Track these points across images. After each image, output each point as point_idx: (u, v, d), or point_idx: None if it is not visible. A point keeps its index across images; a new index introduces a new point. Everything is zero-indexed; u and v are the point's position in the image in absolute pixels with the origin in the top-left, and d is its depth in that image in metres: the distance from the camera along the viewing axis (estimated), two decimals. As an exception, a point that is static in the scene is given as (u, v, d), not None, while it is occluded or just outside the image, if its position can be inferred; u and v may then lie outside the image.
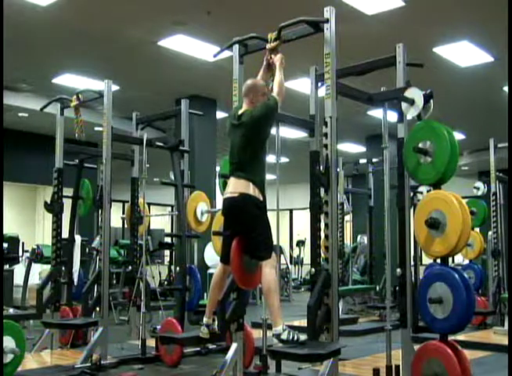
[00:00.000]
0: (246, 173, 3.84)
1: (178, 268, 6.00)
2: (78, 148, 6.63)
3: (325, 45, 3.75)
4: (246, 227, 3.83)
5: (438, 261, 4.30)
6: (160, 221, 15.83)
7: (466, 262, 8.68)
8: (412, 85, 4.19)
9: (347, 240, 10.73)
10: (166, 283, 12.83)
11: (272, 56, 4.04)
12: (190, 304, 5.76)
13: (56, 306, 6.12)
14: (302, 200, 5.40)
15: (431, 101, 4.22)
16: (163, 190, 10.97)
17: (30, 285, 8.23)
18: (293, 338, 3.52)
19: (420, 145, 4.07)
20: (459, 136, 11.21)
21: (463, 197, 4.08)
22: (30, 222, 13.21)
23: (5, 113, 8.54)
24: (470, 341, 6.09)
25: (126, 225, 11.38)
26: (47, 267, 7.18)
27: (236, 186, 3.84)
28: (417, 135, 4.16)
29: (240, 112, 3.99)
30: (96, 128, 8.69)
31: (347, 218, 10.64)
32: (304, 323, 3.72)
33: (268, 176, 4.53)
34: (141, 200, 6.39)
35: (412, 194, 4.94)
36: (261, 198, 3.83)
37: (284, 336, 3.52)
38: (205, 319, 4.00)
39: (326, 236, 3.70)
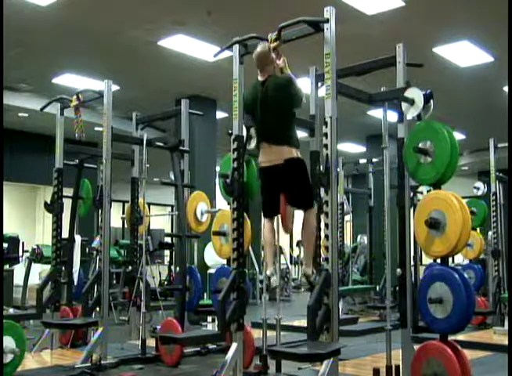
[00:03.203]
0: (283, 138, 3.99)
1: (178, 268, 6.00)
2: (78, 148, 6.62)
3: (325, 45, 3.75)
4: (295, 185, 4.02)
5: (438, 261, 4.30)
6: (160, 221, 15.82)
7: (467, 262, 8.69)
8: (412, 85, 4.19)
9: (347, 240, 10.73)
10: (166, 283, 12.83)
11: (276, 60, 4.06)
12: (190, 304, 5.75)
13: (56, 306, 6.11)
14: (302, 200, 5.44)
15: (431, 101, 4.22)
16: (163, 190, 10.98)
17: (30, 285, 8.23)
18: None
19: (420, 145, 4.07)
20: (459, 136, 11.21)
21: (463, 197, 4.08)
22: (30, 222, 13.21)
23: (5, 113, 8.54)
24: (470, 341, 6.08)
25: (126, 226, 11.38)
26: (47, 267, 7.18)
27: (277, 152, 3.97)
28: (417, 135, 4.16)
29: (261, 80, 4.06)
30: (96, 128, 8.69)
31: (347, 218, 10.64)
32: (304, 323, 3.72)
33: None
34: (141, 200, 6.38)
35: (412, 194, 4.93)
36: (301, 157, 4.04)
37: (312, 278, 3.90)
38: (269, 272, 4.18)
39: (326, 236, 3.70)
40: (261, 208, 4.30)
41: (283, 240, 16.06)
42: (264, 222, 4.31)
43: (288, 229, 4.37)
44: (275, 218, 4.30)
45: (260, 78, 4.11)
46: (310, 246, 4.11)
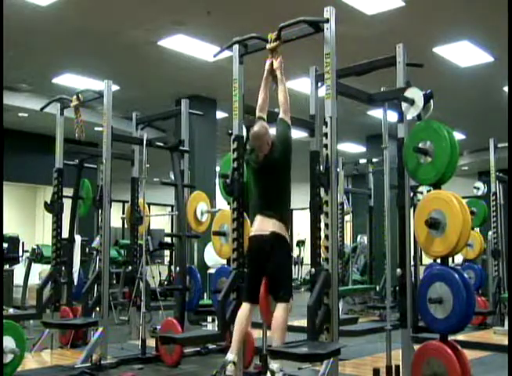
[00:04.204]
0: (275, 212, 3.90)
1: (178, 268, 6.00)
2: (78, 148, 6.63)
3: (325, 45, 3.75)
4: (274, 266, 3.87)
5: (438, 261, 4.29)
6: (160, 221, 15.82)
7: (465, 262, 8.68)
8: (412, 85, 4.19)
9: (347, 240, 10.73)
10: (166, 283, 12.83)
11: (274, 59, 4.06)
12: (190, 304, 5.76)
13: (56, 306, 6.12)
14: (302, 200, 5.44)
15: (431, 101, 4.22)
16: (163, 190, 10.98)
17: (30, 285, 8.22)
18: None
19: (420, 145, 4.07)
20: (459, 136, 11.20)
21: (463, 197, 4.08)
22: (30, 222, 13.20)
23: (5, 113, 8.53)
24: (470, 341, 6.08)
25: (126, 226, 11.38)
26: (47, 267, 7.18)
27: (266, 224, 3.89)
28: (417, 135, 4.16)
29: (260, 157, 3.99)
30: (96, 128, 8.69)
31: (347, 218, 10.65)
32: (304, 323, 3.72)
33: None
34: (141, 200, 6.38)
35: (412, 194, 4.93)
36: (288, 237, 3.92)
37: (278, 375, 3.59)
38: (230, 356, 3.87)
39: (326, 236, 3.70)
40: (243, 291, 4.12)
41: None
42: (242, 305, 4.02)
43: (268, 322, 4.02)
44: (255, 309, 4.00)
45: (258, 158, 4.02)
46: (277, 341, 3.71)
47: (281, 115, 4.04)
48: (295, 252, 17.69)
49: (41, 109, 6.42)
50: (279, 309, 3.80)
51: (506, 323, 6.82)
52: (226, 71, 4.83)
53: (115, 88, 7.14)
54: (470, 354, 4.19)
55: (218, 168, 8.23)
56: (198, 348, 5.81)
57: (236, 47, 4.45)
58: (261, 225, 3.91)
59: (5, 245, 9.05)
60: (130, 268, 6.54)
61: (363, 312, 9.23)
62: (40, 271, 9.25)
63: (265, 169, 3.99)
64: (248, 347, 4.71)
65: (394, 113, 4.44)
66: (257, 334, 5.07)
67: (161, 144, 6.17)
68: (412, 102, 4.11)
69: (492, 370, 4.92)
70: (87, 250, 7.73)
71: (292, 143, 4.03)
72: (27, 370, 4.84)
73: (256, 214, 4.00)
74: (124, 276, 8.16)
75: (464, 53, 7.60)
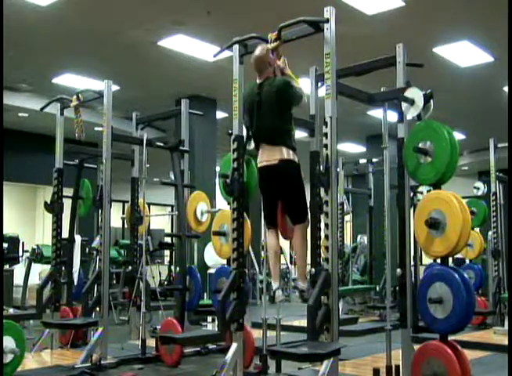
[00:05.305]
0: (281, 138, 4.04)
1: (178, 268, 6.00)
2: (78, 148, 6.62)
3: (325, 45, 3.75)
4: (287, 191, 4.08)
5: (438, 261, 4.29)
6: (160, 221, 15.82)
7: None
8: (412, 85, 4.19)
9: (347, 240, 10.73)
10: (166, 283, 12.83)
11: (276, 60, 4.08)
12: (190, 304, 5.76)
13: (56, 306, 6.11)
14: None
15: (431, 101, 4.22)
16: (163, 190, 10.99)
17: (30, 285, 8.22)
18: None
19: (420, 145, 4.07)
20: (459, 136, 11.21)
21: (463, 197, 4.08)
22: (30, 222, 13.20)
23: (5, 113, 8.54)
24: (470, 341, 6.08)
25: (126, 226, 11.39)
26: (47, 267, 7.18)
27: (273, 153, 4.03)
28: (417, 135, 4.16)
29: (259, 82, 4.11)
30: (96, 128, 8.69)
31: (347, 218, 10.64)
32: (304, 323, 3.72)
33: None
34: (141, 200, 6.39)
35: (412, 194, 4.93)
36: (297, 161, 4.08)
37: (306, 293, 3.94)
38: (275, 285, 4.21)
39: (326, 236, 3.70)
40: (264, 218, 4.36)
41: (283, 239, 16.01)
42: (266, 232, 4.35)
43: (288, 238, 4.39)
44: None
45: (258, 80, 4.15)
46: (301, 260, 4.12)
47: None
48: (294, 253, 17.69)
49: (41, 109, 6.42)
50: (297, 231, 4.12)
51: (506, 323, 6.82)
52: (226, 71, 4.83)
53: (115, 88, 7.14)
54: (470, 354, 4.19)
55: (218, 168, 8.24)
56: (198, 348, 5.81)
57: (236, 47, 4.45)
58: (269, 156, 4.05)
59: (5, 245, 9.05)
60: (130, 268, 6.53)
61: (363, 312, 9.23)
62: (40, 271, 9.25)
63: (265, 94, 4.06)
64: (248, 347, 4.71)
65: (394, 113, 4.44)
66: (257, 334, 5.08)
67: (161, 144, 6.18)
68: (412, 102, 4.11)
69: (492, 370, 4.92)
70: (87, 250, 7.73)
71: (298, 93, 4.08)
72: (27, 370, 4.84)
73: (261, 143, 4.13)
74: (124, 276, 8.15)
75: (464, 53, 7.60)
